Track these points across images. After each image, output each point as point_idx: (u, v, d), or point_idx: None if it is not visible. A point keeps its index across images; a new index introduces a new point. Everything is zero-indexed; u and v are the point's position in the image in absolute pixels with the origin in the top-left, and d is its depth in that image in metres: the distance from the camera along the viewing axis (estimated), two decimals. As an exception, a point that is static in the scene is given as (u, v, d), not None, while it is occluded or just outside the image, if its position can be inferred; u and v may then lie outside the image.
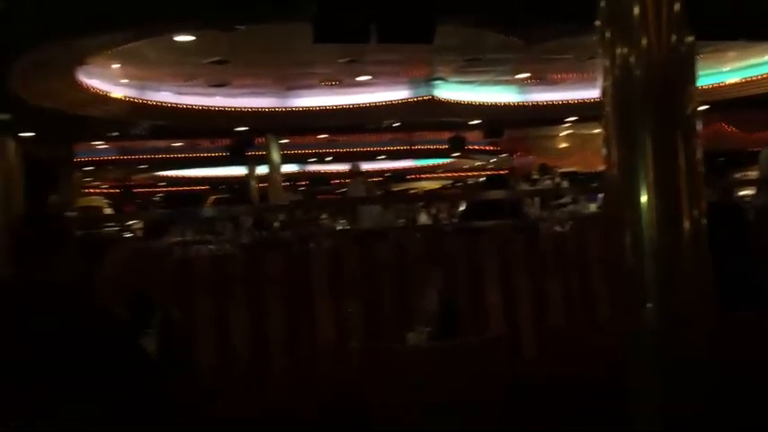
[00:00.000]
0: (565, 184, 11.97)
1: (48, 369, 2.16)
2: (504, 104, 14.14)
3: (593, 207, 8.74)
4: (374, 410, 2.83)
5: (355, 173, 9.48)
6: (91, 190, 21.58)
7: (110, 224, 8.06)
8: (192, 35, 8.70)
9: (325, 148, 20.80)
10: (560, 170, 12.57)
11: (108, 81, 11.13)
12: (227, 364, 3.65)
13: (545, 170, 12.56)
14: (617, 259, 2.89)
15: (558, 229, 6.31)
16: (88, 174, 21.26)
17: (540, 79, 13.10)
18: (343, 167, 23.45)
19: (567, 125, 18.14)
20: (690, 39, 2.73)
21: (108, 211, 14.50)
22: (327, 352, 3.67)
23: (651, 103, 2.77)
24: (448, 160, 23.28)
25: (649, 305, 2.79)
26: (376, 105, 13.45)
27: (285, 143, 17.92)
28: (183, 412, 2.74)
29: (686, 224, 2.75)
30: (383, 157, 21.75)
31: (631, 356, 2.87)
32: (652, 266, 2.79)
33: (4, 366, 2.18)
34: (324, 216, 8.72)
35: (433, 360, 2.81)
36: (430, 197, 9.33)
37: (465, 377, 2.75)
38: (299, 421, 3.37)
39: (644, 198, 2.75)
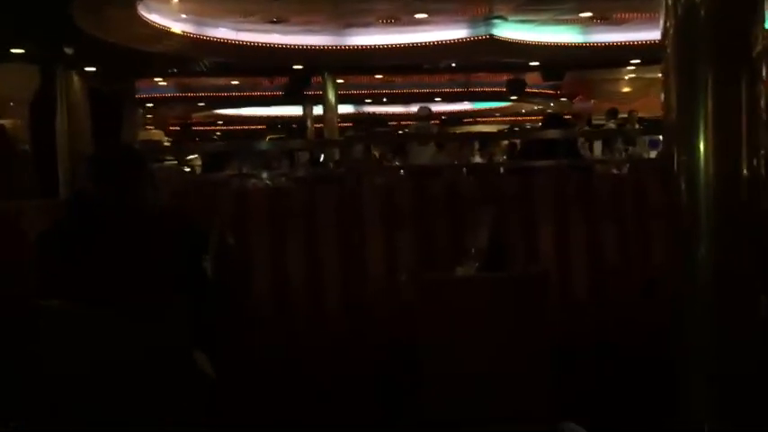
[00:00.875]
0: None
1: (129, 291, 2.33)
2: (565, 45, 13.74)
3: (653, 154, 8.56)
4: (423, 341, 2.91)
5: (423, 116, 9.28)
6: (151, 127, 22.04)
7: (169, 157, 8.28)
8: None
9: (382, 89, 20.67)
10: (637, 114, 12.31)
11: (167, 16, 11.21)
12: (281, 293, 3.77)
13: (613, 114, 12.28)
14: (672, 206, 2.86)
15: (615, 171, 6.22)
16: (149, 111, 21.68)
17: (604, 19, 12.67)
18: (399, 109, 23.37)
19: (631, 68, 17.58)
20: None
21: (167, 144, 14.82)
22: (379, 284, 3.75)
23: (714, 45, 2.68)
24: (506, 104, 22.91)
25: (703, 251, 2.75)
26: (433, 44, 13.24)
27: (341, 83, 17.88)
28: (236, 339, 2.87)
29: (745, 173, 2.69)
30: (440, 99, 21.52)
31: (683, 312, 2.85)
32: (707, 215, 2.75)
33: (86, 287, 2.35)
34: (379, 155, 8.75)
35: (480, 291, 2.86)
36: (484, 136, 9.22)
37: (511, 310, 2.80)
38: (351, 352, 3.48)
39: (702, 145, 2.69)
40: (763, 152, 2.74)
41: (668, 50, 2.81)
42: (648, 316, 3.48)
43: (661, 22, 2.82)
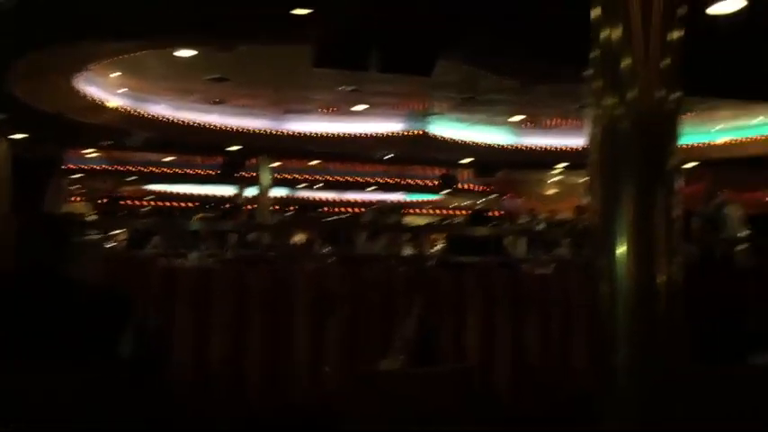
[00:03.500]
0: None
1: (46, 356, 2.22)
2: (497, 146, 14.28)
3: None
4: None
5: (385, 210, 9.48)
6: (77, 198, 21.49)
7: (93, 231, 8.03)
8: (194, 50, 8.77)
9: (317, 175, 20.85)
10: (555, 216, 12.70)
11: (105, 89, 11.17)
12: (201, 378, 3.65)
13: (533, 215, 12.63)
14: (594, 307, 2.93)
15: (540, 271, 6.35)
16: (76, 181, 21.20)
17: (534, 123, 13.27)
18: (333, 195, 23.50)
19: (558, 171, 18.32)
20: (677, 95, 2.80)
21: (93, 217, 14.41)
22: (303, 372, 3.68)
23: (635, 156, 2.83)
24: (438, 197, 23.37)
25: (622, 355, 2.82)
26: (370, 136, 13.55)
27: (276, 166, 17.97)
28: (156, 424, 2.75)
29: (661, 278, 2.80)
30: (374, 188, 21.82)
31: (604, 405, 2.90)
32: (626, 317, 2.83)
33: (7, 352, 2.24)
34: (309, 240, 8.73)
35: (403, 386, 2.83)
36: (419, 229, 9.36)
37: (435, 405, 2.78)
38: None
39: (621, 249, 2.79)
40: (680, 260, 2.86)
41: (593, 156, 2.96)
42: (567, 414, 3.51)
43: (588, 129, 2.97)
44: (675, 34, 2.76)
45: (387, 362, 3.26)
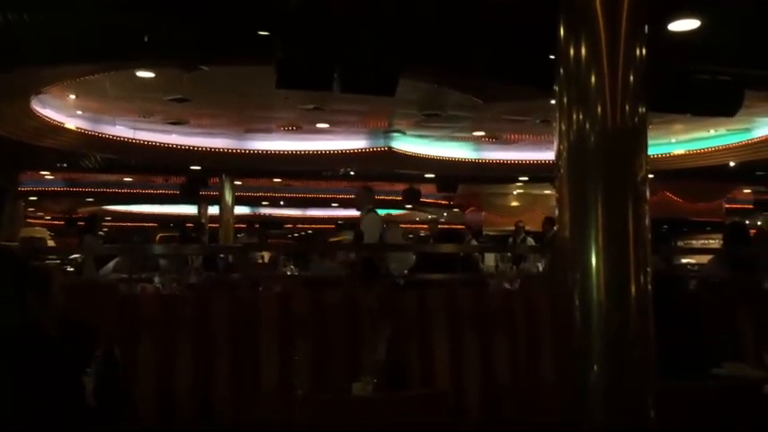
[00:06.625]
0: (530, 241, 12.18)
1: None
2: (459, 160, 14.36)
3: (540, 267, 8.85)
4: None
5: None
6: (34, 221, 21.02)
7: (52, 256, 7.85)
8: (153, 72, 8.65)
9: (280, 192, 20.73)
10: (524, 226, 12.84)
11: (62, 112, 10.95)
12: (167, 405, 3.55)
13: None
14: (563, 320, 2.93)
15: (506, 286, 6.37)
16: (32, 204, 20.75)
17: (495, 138, 13.37)
18: (296, 212, 23.38)
19: (519, 185, 18.48)
20: (643, 109, 2.83)
21: (51, 243, 14.11)
22: (271, 398, 3.60)
23: (603, 169, 2.85)
24: (401, 212, 23.41)
25: (596, 369, 2.81)
26: (333, 153, 13.51)
27: (239, 185, 17.82)
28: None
29: (633, 289, 2.81)
30: (337, 204, 21.76)
31: (575, 419, 2.89)
32: (598, 329, 2.83)
33: None
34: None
35: (375, 412, 2.78)
36: (386, 247, 9.33)
37: (407, 430, 2.73)
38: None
39: (593, 261, 2.80)
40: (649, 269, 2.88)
41: (561, 170, 2.96)
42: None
43: (555, 144, 2.98)
44: (639, 51, 2.79)
45: (358, 385, 3.21)
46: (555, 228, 10.97)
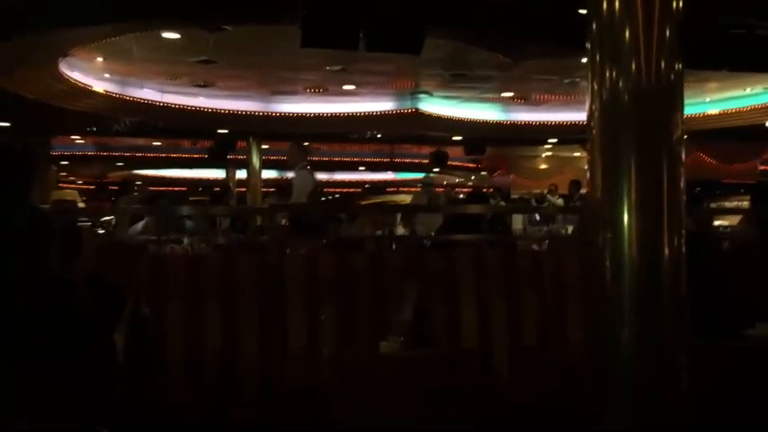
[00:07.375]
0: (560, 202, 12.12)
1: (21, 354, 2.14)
2: (487, 122, 14.19)
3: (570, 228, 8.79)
4: (343, 420, 2.80)
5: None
6: (66, 185, 21.30)
7: (83, 218, 7.95)
8: (178, 33, 8.62)
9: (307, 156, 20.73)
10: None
11: (90, 75, 11.00)
12: (195, 366, 3.59)
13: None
14: (594, 281, 2.88)
15: (534, 247, 6.33)
16: (64, 168, 21.00)
17: (524, 99, 13.18)
18: (323, 176, 23.39)
19: (548, 147, 18.26)
20: (679, 66, 2.74)
21: (81, 205, 14.28)
22: (299, 359, 3.62)
23: (637, 129, 2.77)
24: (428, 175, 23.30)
25: (627, 331, 2.78)
26: (360, 115, 13.43)
27: (266, 149, 17.84)
28: (147, 417, 2.69)
29: (666, 250, 2.75)
30: (364, 168, 21.72)
31: (604, 382, 2.86)
32: (630, 290, 2.78)
33: None
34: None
35: (403, 369, 2.79)
36: (410, 208, 9.28)
37: (434, 388, 2.73)
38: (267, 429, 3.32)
39: (626, 222, 2.75)
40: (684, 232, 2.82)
41: (593, 132, 2.89)
42: (567, 393, 3.48)
43: (587, 103, 2.90)
44: (676, 3, 2.69)
45: (385, 344, 3.22)
46: (582, 191, 10.88)
